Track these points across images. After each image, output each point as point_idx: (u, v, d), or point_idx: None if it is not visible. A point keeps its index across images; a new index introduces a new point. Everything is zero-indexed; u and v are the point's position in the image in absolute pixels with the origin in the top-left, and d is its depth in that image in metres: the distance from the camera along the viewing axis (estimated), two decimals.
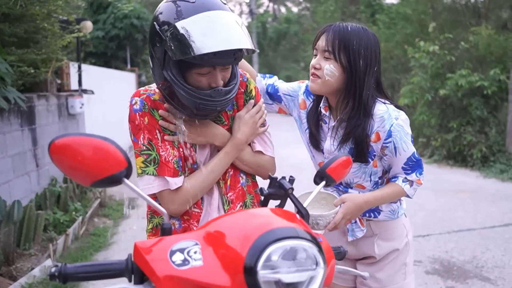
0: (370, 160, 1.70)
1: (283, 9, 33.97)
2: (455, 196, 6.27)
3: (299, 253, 0.86)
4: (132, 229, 5.27)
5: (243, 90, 1.58)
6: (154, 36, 1.34)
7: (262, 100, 1.63)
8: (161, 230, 1.01)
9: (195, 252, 0.89)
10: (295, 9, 32.21)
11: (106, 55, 13.39)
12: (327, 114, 1.76)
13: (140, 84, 14.50)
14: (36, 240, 4.20)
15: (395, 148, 1.65)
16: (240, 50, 1.33)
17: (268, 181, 1.25)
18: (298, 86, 1.90)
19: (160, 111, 1.46)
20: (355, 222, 1.80)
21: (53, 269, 0.92)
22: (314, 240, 0.88)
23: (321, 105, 1.77)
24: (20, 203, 3.86)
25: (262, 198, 1.21)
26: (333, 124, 1.74)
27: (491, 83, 7.97)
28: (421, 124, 9.13)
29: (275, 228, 0.87)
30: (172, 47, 1.27)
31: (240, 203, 1.58)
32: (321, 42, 1.65)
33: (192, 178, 1.47)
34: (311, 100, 1.83)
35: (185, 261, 0.88)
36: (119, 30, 12.98)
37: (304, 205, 1.21)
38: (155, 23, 1.33)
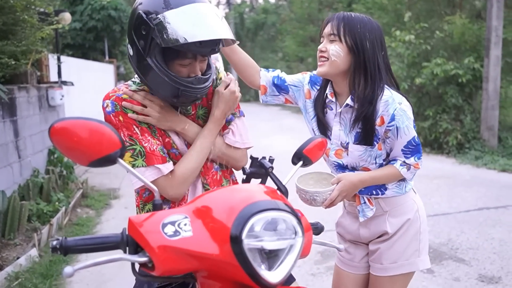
0: (375, 143, 1.77)
1: (260, 0, 33.90)
2: (431, 182, 6.45)
3: (280, 224, 0.94)
4: (114, 218, 5.31)
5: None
6: (139, 24, 1.40)
7: (230, 76, 1.69)
8: (152, 205, 1.10)
9: (185, 224, 0.98)
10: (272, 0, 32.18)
11: (84, 46, 13.24)
12: (333, 100, 1.83)
13: (118, 75, 14.41)
14: (21, 230, 4.22)
15: (397, 130, 1.72)
16: (220, 41, 1.44)
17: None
18: (303, 77, 1.98)
19: (123, 103, 1.52)
20: (364, 202, 1.86)
21: (54, 242, 0.99)
22: (293, 212, 0.97)
23: (327, 91, 1.84)
24: (5, 193, 3.88)
25: (244, 176, 1.30)
26: (339, 110, 1.80)
27: (466, 72, 8.17)
28: None
29: (257, 200, 0.96)
30: (162, 35, 1.34)
31: (216, 187, 1.65)
32: (327, 29, 1.74)
33: (183, 161, 1.54)
34: (316, 90, 1.92)
35: (176, 232, 0.96)
36: (97, 21, 12.84)
37: (284, 183, 1.30)
38: (140, 11, 1.39)
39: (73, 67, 8.51)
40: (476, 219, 4.85)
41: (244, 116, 1.72)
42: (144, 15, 1.38)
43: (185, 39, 1.32)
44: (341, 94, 1.81)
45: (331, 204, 1.74)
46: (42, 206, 4.72)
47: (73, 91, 7.97)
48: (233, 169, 1.74)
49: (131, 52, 1.48)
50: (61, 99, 6.45)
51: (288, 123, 14.19)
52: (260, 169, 1.31)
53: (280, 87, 1.99)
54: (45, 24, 5.67)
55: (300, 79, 1.98)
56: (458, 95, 8.43)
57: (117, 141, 1.07)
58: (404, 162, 1.79)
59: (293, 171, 1.39)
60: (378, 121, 1.72)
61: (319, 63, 1.76)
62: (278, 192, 1.09)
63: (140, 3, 1.43)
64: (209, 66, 1.53)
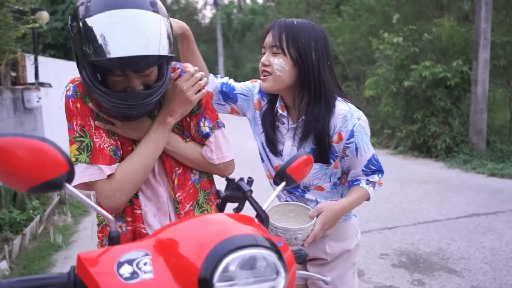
0: (332, 161, 1.65)
1: (248, 0, 33.77)
2: (420, 187, 6.34)
3: (259, 262, 0.79)
4: (94, 226, 5.08)
5: None
6: (69, 31, 1.24)
7: (195, 68, 1.46)
8: (108, 238, 0.91)
9: (145, 264, 0.80)
10: (260, 0, 32.07)
11: (66, 46, 12.95)
12: (285, 114, 1.68)
13: None
14: None
15: (356, 149, 1.61)
16: (147, 56, 1.19)
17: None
18: (253, 86, 1.81)
19: (90, 104, 1.36)
20: None
21: None
22: (274, 247, 0.81)
23: (277, 105, 1.69)
24: None
25: (219, 201, 1.12)
26: (293, 125, 1.67)
27: (454, 75, 8.09)
28: (386, 115, 9.22)
29: (232, 236, 0.80)
30: (78, 47, 1.18)
31: (191, 202, 1.48)
32: (268, 39, 1.60)
33: (123, 163, 1.36)
34: (266, 101, 1.75)
35: (133, 274, 0.78)
36: None
37: (264, 208, 1.14)
38: (69, 16, 1.23)
39: (53, 68, 8.25)
40: (466, 226, 4.72)
41: (223, 126, 1.53)
42: (69, 21, 1.22)
43: (92, 55, 1.15)
44: (290, 108, 1.68)
45: (313, 241, 1.55)
46: (15, 215, 4.48)
47: (52, 93, 7.71)
48: (214, 181, 1.58)
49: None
50: (38, 101, 6.21)
51: None
52: (237, 192, 1.12)
53: (228, 95, 1.81)
54: (21, 23, 5.43)
55: (249, 88, 1.81)
56: (447, 98, 8.34)
57: (64, 163, 0.89)
58: (368, 180, 1.70)
59: (274, 193, 1.21)
60: (335, 137, 1.61)
61: (262, 77, 1.63)
62: (256, 221, 0.91)
63: (77, 4, 1.24)
64: (161, 76, 1.30)
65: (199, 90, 1.43)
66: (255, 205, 1.12)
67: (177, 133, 1.47)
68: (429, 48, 8.86)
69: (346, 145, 1.61)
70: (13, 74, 6.13)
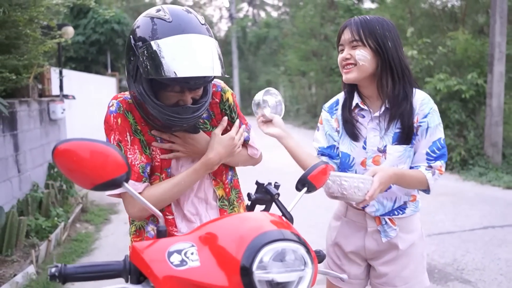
0: (413, 141, 1.74)
1: (262, 14, 34.08)
2: (435, 199, 6.37)
3: (288, 255, 0.90)
4: (114, 234, 5.24)
5: (218, 100, 1.61)
6: (128, 49, 1.37)
7: (238, 121, 1.63)
8: (157, 232, 1.05)
9: (192, 254, 0.93)
10: (274, 14, 32.36)
11: (87, 60, 13.30)
12: (365, 108, 1.79)
13: (120, 88, 14.42)
14: (18, 246, 4.15)
15: (427, 128, 1.72)
16: (205, 77, 1.36)
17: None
18: (328, 125, 1.88)
19: (153, 131, 1.50)
20: (386, 223, 1.81)
21: (53, 269, 0.94)
22: (302, 242, 0.93)
23: (357, 101, 1.80)
24: (3, 209, 3.82)
25: (249, 203, 1.25)
26: (376, 114, 1.76)
27: (469, 87, 8.14)
28: None
29: (267, 230, 0.91)
30: (144, 65, 1.30)
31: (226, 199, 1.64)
32: (346, 36, 1.73)
33: (153, 188, 1.50)
34: (335, 113, 1.87)
35: (183, 262, 0.91)
36: (100, 35, 12.91)
37: (289, 210, 1.26)
38: (131, 36, 1.36)
39: (75, 80, 8.51)
40: (481, 238, 4.76)
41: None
42: (132, 41, 1.35)
43: (164, 74, 1.27)
44: (371, 99, 1.79)
45: (371, 198, 1.58)
46: (41, 222, 4.65)
47: (75, 105, 7.95)
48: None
49: (126, 72, 1.45)
50: (62, 112, 6.42)
51: None
52: (265, 195, 1.28)
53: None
54: (48, 38, 5.66)
55: (331, 130, 1.88)
56: (461, 111, 8.38)
57: (123, 164, 1.02)
58: (429, 166, 1.74)
59: (297, 198, 1.34)
60: (415, 119, 1.72)
61: (345, 71, 1.75)
62: (284, 219, 1.05)
63: (137, 27, 1.39)
64: (205, 92, 1.46)
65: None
66: (282, 207, 1.26)
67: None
68: (444, 61, 8.94)
69: (419, 124, 1.72)
70: (40, 86, 6.36)
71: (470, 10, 10.04)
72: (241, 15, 32.02)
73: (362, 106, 1.78)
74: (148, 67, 1.29)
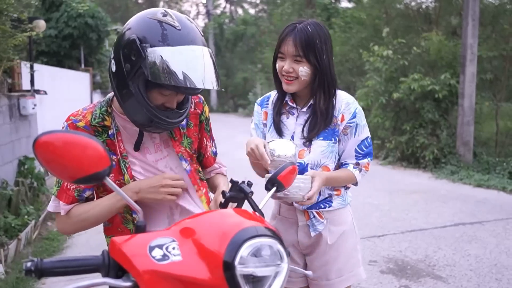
0: (336, 138, 1.87)
1: (240, 11, 34.05)
2: (408, 197, 6.48)
3: (264, 250, 0.92)
4: (86, 232, 5.08)
5: (199, 111, 1.69)
6: (130, 48, 1.35)
7: (179, 177, 1.58)
8: (136, 227, 1.03)
9: (173, 248, 0.92)
10: (252, 11, 32.34)
11: (59, 54, 12.97)
12: (294, 105, 1.92)
13: (94, 84, 14.17)
14: None
15: (356, 127, 1.87)
16: (199, 90, 1.43)
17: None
18: (259, 115, 2.01)
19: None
20: (314, 216, 1.90)
21: (29, 264, 0.92)
22: (279, 237, 0.95)
23: (287, 99, 1.93)
24: None
25: (223, 200, 1.32)
26: (303, 110, 1.89)
27: (442, 87, 8.30)
28: (376, 126, 9.40)
29: (248, 226, 0.93)
30: (151, 68, 1.31)
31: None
32: (289, 48, 1.79)
33: (78, 206, 1.52)
34: (266, 106, 2.00)
35: (164, 256, 0.90)
36: (73, 29, 12.60)
37: (260, 207, 1.32)
38: (135, 35, 1.34)
39: (47, 75, 8.31)
40: (452, 234, 4.86)
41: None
42: (137, 41, 1.33)
43: (174, 81, 1.30)
44: (301, 97, 1.92)
45: (309, 199, 1.71)
46: (10, 220, 4.52)
47: (47, 100, 7.77)
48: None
49: (113, 69, 1.42)
50: (33, 108, 6.26)
51: None
52: (239, 193, 1.32)
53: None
54: (18, 31, 5.51)
55: (258, 117, 2.02)
56: (435, 110, 8.53)
57: (107, 158, 1.01)
58: (356, 163, 1.90)
59: (267, 196, 1.40)
60: (339, 117, 1.85)
61: (286, 81, 1.84)
62: (257, 215, 1.07)
63: (129, 28, 1.38)
64: (186, 99, 1.52)
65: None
66: (254, 205, 1.31)
67: (190, 154, 1.64)
68: (418, 61, 9.08)
69: (348, 124, 1.86)
70: (9, 80, 6.18)
71: (443, 12, 10.24)
72: (218, 11, 31.88)
73: (291, 103, 1.92)
74: (159, 71, 1.30)
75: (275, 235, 0.94)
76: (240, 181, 1.34)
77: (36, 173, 6.02)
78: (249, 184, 1.34)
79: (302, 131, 1.88)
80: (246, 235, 0.90)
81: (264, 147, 1.69)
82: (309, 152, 1.86)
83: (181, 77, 1.30)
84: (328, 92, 1.85)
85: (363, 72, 10.51)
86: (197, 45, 1.35)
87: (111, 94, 1.57)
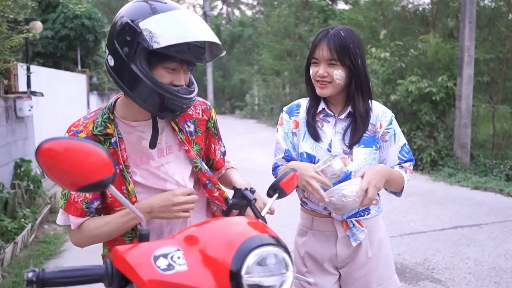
0: (377, 145, 1.86)
1: (237, 12, 34.06)
2: (406, 199, 6.47)
3: (269, 259, 0.90)
4: None
5: (206, 118, 1.67)
6: (123, 30, 1.35)
7: (193, 190, 1.53)
8: (139, 236, 1.02)
9: (178, 258, 0.91)
10: (249, 12, 32.37)
11: (56, 55, 12.91)
12: (331, 113, 1.89)
13: (91, 85, 14.11)
14: None
15: (394, 134, 1.88)
16: (205, 52, 1.45)
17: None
18: (288, 126, 1.94)
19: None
20: (354, 225, 1.85)
21: (30, 274, 0.90)
22: (284, 246, 0.94)
23: (323, 107, 1.89)
24: None
25: (225, 207, 1.33)
26: (342, 117, 1.86)
27: (439, 90, 8.30)
28: None
29: (254, 235, 0.92)
30: (150, 37, 1.30)
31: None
32: (323, 52, 1.78)
33: (90, 221, 1.49)
34: (297, 115, 1.93)
35: (169, 266, 0.89)
36: (70, 30, 12.54)
37: (262, 214, 1.31)
38: (124, 17, 1.36)
39: (44, 76, 8.26)
40: (451, 237, 4.86)
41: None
42: (130, 21, 1.34)
43: (175, 38, 1.29)
44: (335, 104, 1.90)
45: (368, 199, 1.63)
46: (7, 223, 4.48)
47: (43, 102, 7.72)
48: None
49: (111, 63, 1.40)
50: (29, 110, 6.22)
51: (263, 136, 14.20)
52: (242, 201, 1.31)
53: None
54: (15, 33, 5.48)
55: (288, 130, 1.94)
56: (432, 113, 8.54)
57: (111, 166, 0.99)
58: (401, 166, 1.89)
59: (269, 203, 1.39)
60: (378, 125, 1.86)
61: (320, 85, 1.82)
62: (265, 224, 1.05)
63: (122, 16, 1.39)
64: (191, 82, 1.51)
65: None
66: (257, 212, 1.30)
67: (194, 155, 1.59)
68: (415, 64, 9.09)
69: (386, 130, 1.86)
70: (5, 81, 6.14)
71: (440, 14, 10.24)
72: (215, 13, 31.88)
73: (328, 111, 1.88)
74: (157, 37, 1.29)
75: (279, 243, 0.93)
76: (243, 188, 1.32)
77: (33, 175, 5.98)
78: (252, 191, 1.33)
79: (343, 138, 1.84)
80: (252, 245, 0.88)
81: (316, 176, 1.68)
82: (352, 160, 1.82)
83: (181, 34, 1.30)
84: (365, 95, 1.85)
85: None
86: (187, 10, 1.39)
87: (113, 99, 1.55)
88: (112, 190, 1.02)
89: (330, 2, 16.84)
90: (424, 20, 10.43)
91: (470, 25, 8.04)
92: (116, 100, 1.55)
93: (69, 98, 10.46)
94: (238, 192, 1.31)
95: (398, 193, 1.94)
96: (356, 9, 12.47)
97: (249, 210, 1.38)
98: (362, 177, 1.66)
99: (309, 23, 16.23)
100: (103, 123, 1.47)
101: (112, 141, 1.47)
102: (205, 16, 26.17)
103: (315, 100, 1.91)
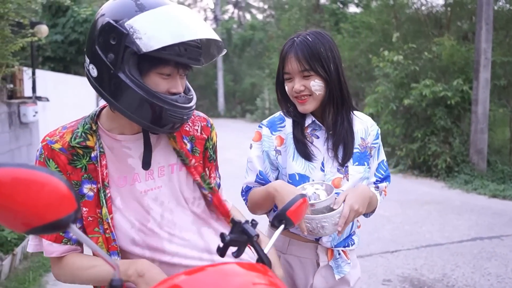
0: (369, 162, 1.69)
1: (248, 16, 33.94)
2: (421, 208, 6.23)
3: None
4: (85, 246, 4.95)
5: (205, 137, 1.44)
6: (106, 34, 1.15)
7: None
8: (109, 286, 0.84)
9: None
10: (260, 16, 32.24)
11: (65, 60, 12.89)
12: (321, 124, 1.66)
13: None
14: None
15: (378, 149, 1.73)
16: (201, 53, 1.24)
17: None
18: (262, 144, 1.68)
19: (50, 153, 1.26)
20: (339, 256, 1.64)
21: None
22: None
23: (312, 119, 1.66)
24: None
25: (221, 244, 1.06)
26: (331, 132, 1.64)
27: (454, 94, 8.04)
28: (386, 133, 9.15)
29: None
30: (140, 39, 1.11)
31: None
32: (293, 66, 1.57)
33: (78, 259, 1.26)
34: (280, 130, 1.68)
35: None
36: (79, 34, 12.51)
37: (265, 251, 1.09)
38: (107, 19, 1.15)
39: (51, 81, 8.17)
40: (470, 250, 4.61)
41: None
42: (113, 22, 1.13)
43: (171, 38, 1.10)
44: (323, 117, 1.67)
45: (346, 224, 1.45)
46: (6, 233, 4.33)
47: (50, 107, 7.62)
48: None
49: (94, 73, 1.20)
50: (34, 115, 6.11)
51: None
52: (241, 236, 1.07)
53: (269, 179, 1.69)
54: (19, 36, 5.36)
55: (270, 148, 1.67)
56: (447, 117, 8.29)
57: (72, 200, 0.80)
58: (376, 187, 1.73)
59: (275, 236, 1.16)
60: (368, 139, 1.69)
61: (300, 101, 1.60)
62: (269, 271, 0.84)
63: (103, 14, 1.18)
64: (188, 88, 1.30)
65: None
66: (259, 251, 1.08)
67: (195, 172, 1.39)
68: (429, 67, 8.85)
69: (373, 145, 1.70)
70: (10, 86, 6.03)
71: (454, 16, 9.98)
72: (226, 17, 31.81)
73: (319, 123, 1.66)
74: (148, 38, 1.10)
75: None
76: (243, 221, 1.09)
77: None
78: (254, 224, 1.10)
79: (335, 155, 1.62)
80: None
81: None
82: (347, 180, 1.62)
83: (177, 33, 1.11)
84: (341, 109, 1.63)
85: (371, 77, 10.29)
86: (178, 5, 1.19)
87: (97, 108, 1.35)
88: (75, 231, 0.83)
89: (341, 6, 16.62)
90: (438, 22, 10.18)
91: (487, 26, 7.78)
92: (101, 109, 1.35)
93: (77, 102, 10.36)
94: (237, 225, 1.08)
95: (367, 214, 1.73)
96: (367, 12, 12.24)
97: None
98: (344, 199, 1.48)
99: (320, 27, 16.01)
100: (83, 134, 1.27)
101: (92, 155, 1.26)
102: (216, 20, 26.12)
103: (299, 115, 1.67)
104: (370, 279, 3.91)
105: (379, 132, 1.74)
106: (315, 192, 1.52)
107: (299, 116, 1.66)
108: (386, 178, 1.75)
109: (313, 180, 1.60)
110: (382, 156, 1.75)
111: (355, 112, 1.72)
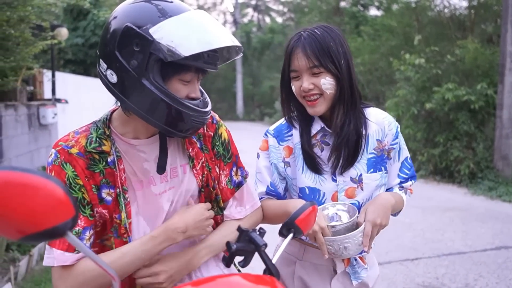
0: (386, 166, 1.59)
1: (267, 19, 33.96)
2: (443, 214, 6.07)
3: None
4: None
5: (211, 133, 1.40)
6: (128, 40, 1.11)
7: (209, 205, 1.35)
8: None
9: None
10: (279, 19, 32.23)
11: (86, 62, 13.06)
12: (330, 130, 1.53)
13: None
14: None
15: (399, 150, 1.61)
16: (218, 60, 1.24)
17: None
18: (269, 155, 1.59)
19: (67, 157, 1.22)
20: (356, 261, 1.57)
21: None
22: None
23: (321, 125, 1.53)
24: None
25: (227, 254, 1.02)
26: (336, 134, 1.52)
27: (478, 98, 7.85)
28: (407, 137, 8.98)
29: None
30: (166, 47, 1.09)
31: None
32: (300, 62, 1.45)
33: (88, 260, 1.18)
34: (288, 139, 1.58)
35: None
36: (99, 37, 12.68)
37: (273, 261, 1.05)
38: (128, 24, 1.11)
39: (70, 83, 8.25)
40: (494, 260, 4.44)
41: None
42: (136, 28, 1.10)
43: (199, 46, 1.10)
44: (333, 120, 1.53)
45: (371, 240, 1.40)
46: None
47: (69, 109, 7.69)
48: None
49: (113, 79, 1.16)
50: (53, 117, 6.16)
51: None
52: (249, 245, 1.02)
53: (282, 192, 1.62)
54: (39, 39, 5.41)
55: (278, 160, 1.58)
56: (470, 122, 8.09)
57: (70, 207, 0.76)
58: (401, 187, 1.64)
59: (283, 245, 1.12)
60: (385, 141, 1.56)
61: (309, 103, 1.48)
62: (277, 283, 0.83)
63: (117, 17, 1.15)
64: (201, 91, 1.28)
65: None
66: (267, 260, 1.03)
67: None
68: (452, 70, 8.66)
69: (391, 146, 1.58)
70: (31, 88, 6.09)
71: (478, 19, 9.79)
72: (245, 20, 31.87)
73: (328, 129, 1.53)
74: (175, 46, 1.08)
75: None
76: (250, 229, 1.04)
77: None
78: (261, 233, 1.05)
79: (338, 158, 1.52)
80: None
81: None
82: (362, 189, 1.53)
83: (204, 41, 1.11)
84: (353, 109, 1.51)
85: (392, 81, 10.14)
86: (199, 10, 1.19)
87: (107, 113, 1.31)
88: (72, 239, 0.79)
89: (361, 8, 16.47)
90: (461, 25, 9.99)
91: None
92: (112, 113, 1.31)
93: (97, 105, 10.44)
94: (244, 234, 1.03)
95: (394, 214, 1.64)
96: (388, 15, 12.11)
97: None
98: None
99: (340, 29, 15.92)
100: (98, 139, 1.24)
101: (109, 160, 1.23)
102: (235, 23, 26.19)
103: (306, 121, 1.55)
104: (389, 287, 3.80)
105: (399, 129, 1.60)
106: (336, 213, 1.46)
107: (305, 122, 1.56)
108: (411, 177, 1.65)
109: (324, 193, 1.53)
110: (405, 153, 1.63)
111: (369, 110, 1.58)
